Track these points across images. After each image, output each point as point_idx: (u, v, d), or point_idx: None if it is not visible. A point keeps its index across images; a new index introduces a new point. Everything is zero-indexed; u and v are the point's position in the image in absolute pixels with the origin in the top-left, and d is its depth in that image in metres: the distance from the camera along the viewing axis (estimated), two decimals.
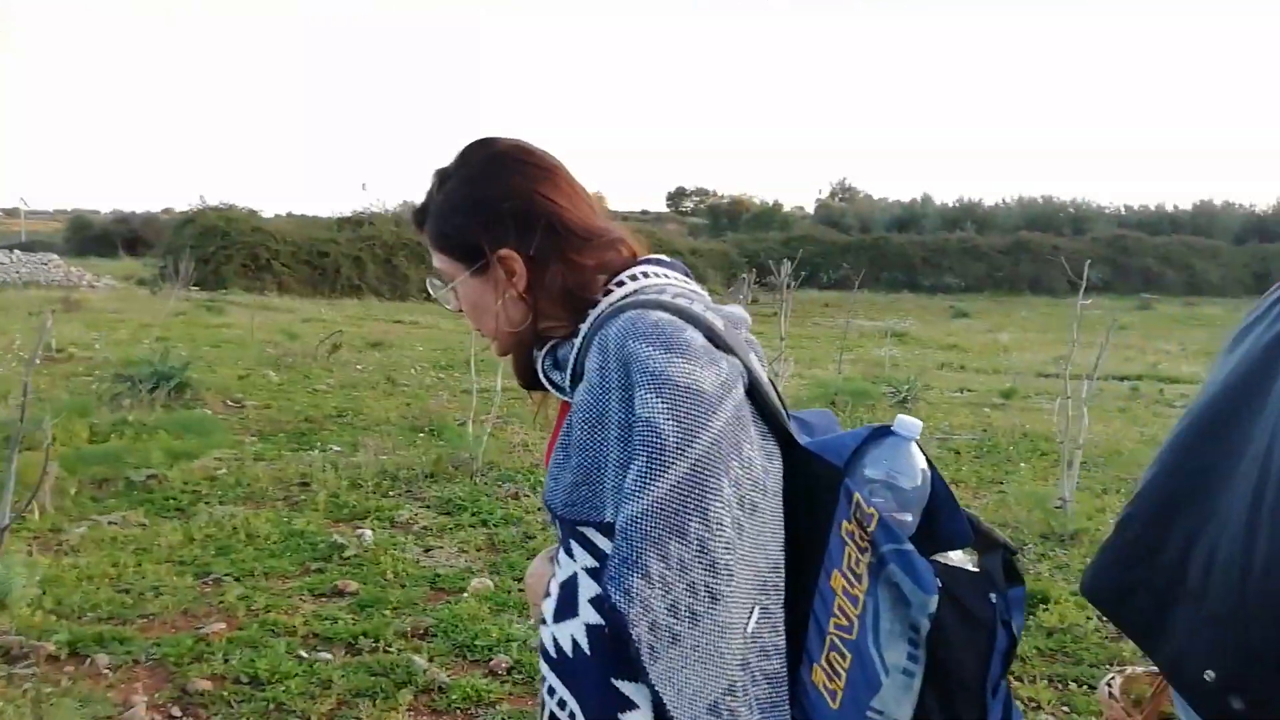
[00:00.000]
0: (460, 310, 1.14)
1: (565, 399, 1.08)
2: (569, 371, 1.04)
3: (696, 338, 0.97)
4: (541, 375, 1.10)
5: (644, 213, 52.37)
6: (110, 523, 4.47)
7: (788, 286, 8.20)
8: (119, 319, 13.45)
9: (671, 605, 0.90)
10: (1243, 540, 0.98)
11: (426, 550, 4.31)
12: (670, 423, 0.91)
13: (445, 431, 6.58)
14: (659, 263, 1.12)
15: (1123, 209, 43.47)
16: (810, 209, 47.01)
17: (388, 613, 3.56)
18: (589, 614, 0.95)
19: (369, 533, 4.45)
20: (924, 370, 11.39)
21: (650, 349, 0.94)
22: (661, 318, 0.98)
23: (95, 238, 35.11)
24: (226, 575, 3.88)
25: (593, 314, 1.04)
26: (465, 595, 3.75)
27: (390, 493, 5.16)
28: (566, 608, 0.97)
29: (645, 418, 0.92)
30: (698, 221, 48.46)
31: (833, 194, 50.08)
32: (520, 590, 3.79)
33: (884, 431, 1.05)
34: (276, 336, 12.06)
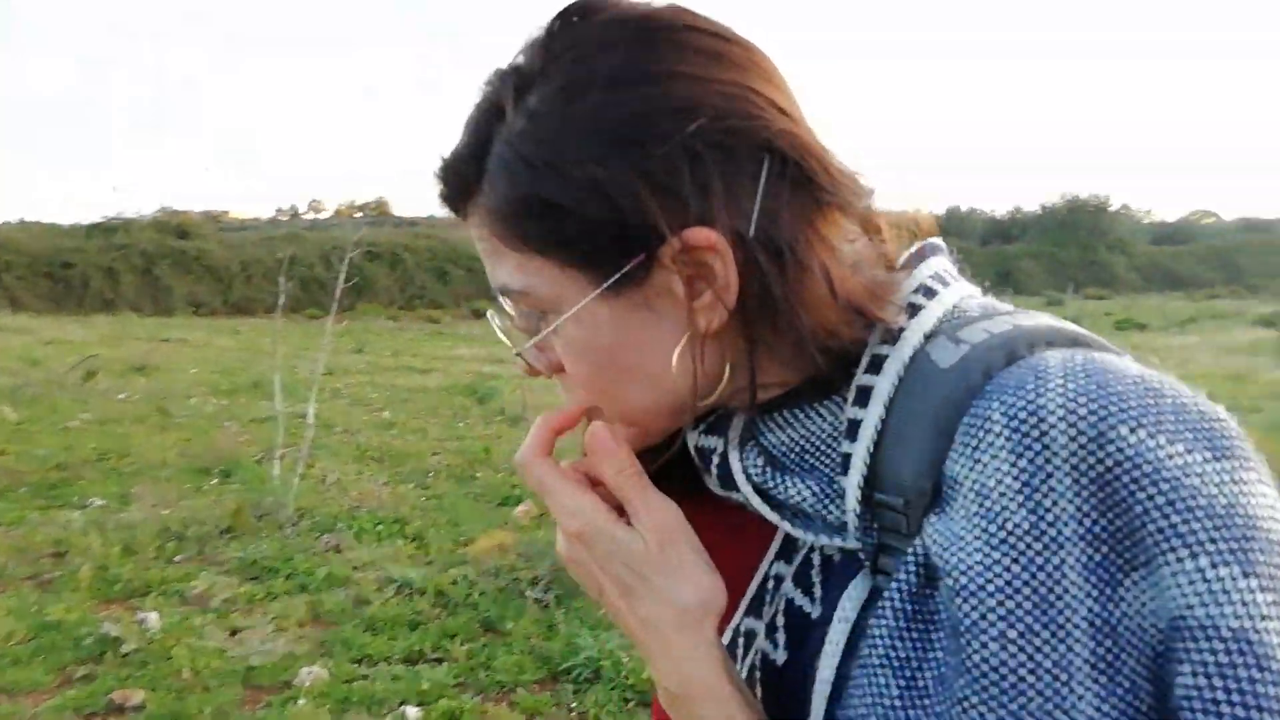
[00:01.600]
0: (557, 370, 0.54)
1: (798, 533, 0.53)
2: (855, 484, 0.48)
3: (1230, 417, 0.45)
4: (746, 486, 0.54)
5: None
6: None
7: None
8: None
9: None
10: None
11: (233, 633, 3.48)
12: None
13: (240, 472, 5.63)
14: (935, 249, 0.56)
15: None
16: None
17: None
18: None
19: (153, 615, 3.55)
20: None
21: (1185, 451, 0.42)
22: (1147, 375, 0.45)
23: None
24: None
25: (895, 355, 0.49)
26: (295, 694, 2.99)
27: (177, 558, 4.23)
28: None
29: (1235, 629, 0.40)
30: None
31: None
32: (362, 679, 3.08)
33: None
34: (12, 363, 10.26)
